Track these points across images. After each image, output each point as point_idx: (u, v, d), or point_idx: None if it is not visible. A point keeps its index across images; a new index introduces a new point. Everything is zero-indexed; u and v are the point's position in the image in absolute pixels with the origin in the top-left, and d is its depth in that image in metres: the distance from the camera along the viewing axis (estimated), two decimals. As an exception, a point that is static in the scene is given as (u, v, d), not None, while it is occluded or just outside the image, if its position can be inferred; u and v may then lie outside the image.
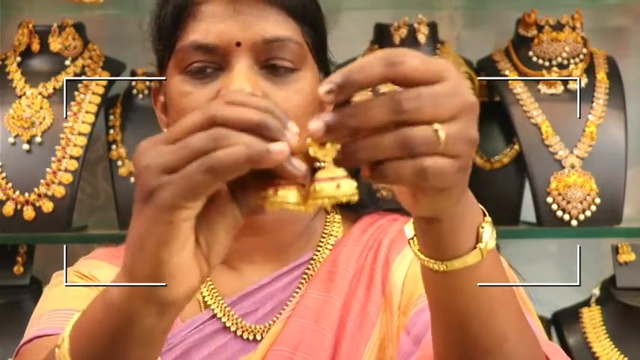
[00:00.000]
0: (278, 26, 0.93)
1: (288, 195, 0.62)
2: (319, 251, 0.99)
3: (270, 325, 0.94)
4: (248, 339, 0.94)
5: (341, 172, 0.62)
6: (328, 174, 0.62)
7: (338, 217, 1.04)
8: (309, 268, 0.98)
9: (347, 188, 0.61)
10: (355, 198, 0.61)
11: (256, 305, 0.96)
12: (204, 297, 0.97)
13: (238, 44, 0.91)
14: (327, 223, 1.02)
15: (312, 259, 0.99)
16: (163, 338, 0.68)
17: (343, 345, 0.91)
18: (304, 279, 0.97)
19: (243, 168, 0.59)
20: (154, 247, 0.61)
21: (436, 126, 0.57)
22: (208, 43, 0.91)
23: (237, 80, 0.89)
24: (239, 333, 0.94)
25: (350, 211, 1.04)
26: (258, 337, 0.94)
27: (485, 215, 0.69)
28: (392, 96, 0.57)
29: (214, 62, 0.92)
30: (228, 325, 0.95)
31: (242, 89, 0.88)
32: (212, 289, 0.98)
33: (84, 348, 0.69)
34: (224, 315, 0.95)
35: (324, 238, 1.01)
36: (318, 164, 0.63)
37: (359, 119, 0.58)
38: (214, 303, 0.96)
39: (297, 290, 0.96)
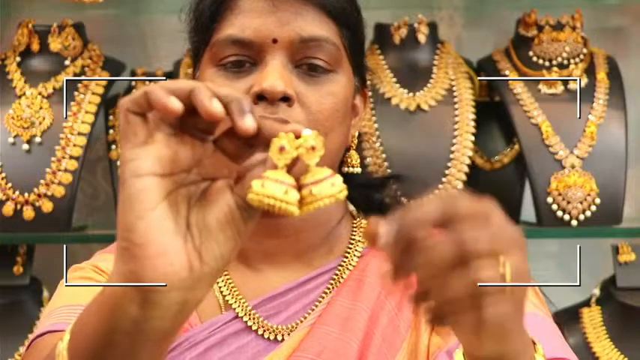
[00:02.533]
0: (316, 26, 0.92)
1: (275, 189, 0.61)
2: (347, 258, 0.98)
3: (292, 327, 0.93)
4: (269, 339, 0.93)
5: (327, 171, 0.63)
6: (317, 176, 0.62)
7: (364, 222, 1.03)
8: (336, 275, 0.97)
9: (340, 184, 0.62)
10: (345, 193, 0.63)
11: (279, 308, 0.95)
12: (224, 297, 0.96)
13: (274, 41, 0.90)
14: (354, 230, 1.02)
15: (339, 265, 0.98)
16: (154, 342, 0.65)
17: (369, 356, 0.89)
18: (331, 285, 0.96)
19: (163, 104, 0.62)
20: (120, 212, 0.62)
21: (502, 260, 0.58)
22: (244, 38, 0.91)
23: (269, 77, 0.88)
24: (260, 332, 0.93)
25: (376, 217, 1.03)
26: (280, 338, 0.93)
27: (535, 344, 0.69)
28: (455, 237, 0.58)
29: (249, 57, 0.91)
30: (250, 324, 0.93)
31: (274, 85, 0.88)
32: (233, 289, 0.97)
33: (79, 343, 0.68)
34: (246, 315, 0.94)
35: (352, 245, 1.00)
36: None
37: (424, 261, 0.59)
38: (236, 303, 0.95)
39: (323, 296, 0.95)
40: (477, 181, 1.53)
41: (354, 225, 1.03)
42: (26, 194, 1.44)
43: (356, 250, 0.99)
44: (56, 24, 1.53)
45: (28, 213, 1.44)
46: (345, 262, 0.98)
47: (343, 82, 0.94)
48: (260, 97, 0.88)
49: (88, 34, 1.59)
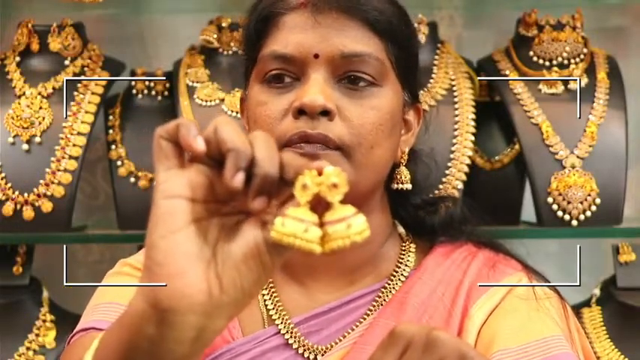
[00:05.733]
0: (358, 42, 0.92)
1: (295, 227, 0.61)
2: (392, 280, 0.99)
3: (332, 346, 0.94)
4: (309, 358, 0.94)
5: (349, 210, 0.62)
6: (337, 215, 0.62)
7: (413, 246, 1.03)
8: (379, 296, 0.97)
9: (358, 226, 0.61)
10: (367, 234, 0.61)
11: (321, 325, 0.96)
12: (268, 311, 0.97)
13: (316, 56, 0.91)
14: (403, 252, 1.02)
15: (383, 287, 0.98)
16: None
17: None
18: (373, 306, 0.97)
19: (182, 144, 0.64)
20: (148, 230, 0.63)
21: None
22: (286, 53, 0.92)
23: (310, 91, 0.89)
24: (300, 351, 0.94)
25: (425, 240, 1.04)
26: (319, 358, 0.93)
27: None
28: None
29: (291, 72, 0.92)
30: (290, 342, 0.94)
31: (314, 100, 0.88)
32: (277, 303, 0.97)
33: (101, 356, 0.69)
34: (287, 332, 0.95)
35: (399, 267, 1.00)
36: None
37: None
38: (279, 319, 0.96)
39: (365, 317, 0.96)
40: (476, 181, 1.53)
41: (403, 247, 1.02)
42: (26, 194, 1.44)
43: (402, 274, 0.99)
44: (56, 24, 1.53)
45: (28, 213, 1.43)
46: (390, 284, 0.98)
47: (388, 97, 0.94)
48: (301, 112, 0.89)
49: (87, 34, 1.59)
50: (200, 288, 0.63)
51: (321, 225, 0.62)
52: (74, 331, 0.95)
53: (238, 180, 0.62)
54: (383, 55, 0.94)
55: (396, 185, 1.01)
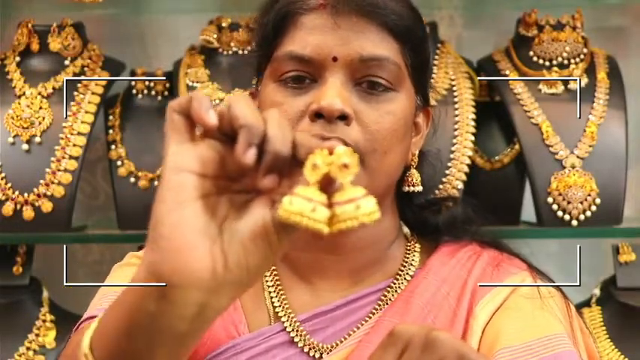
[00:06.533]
0: (377, 45, 0.91)
1: (302, 206, 0.60)
2: (397, 280, 0.99)
3: (337, 344, 0.94)
4: (314, 356, 0.94)
5: (359, 191, 0.61)
6: (347, 195, 0.61)
7: (418, 246, 1.03)
8: (385, 295, 0.97)
9: (367, 207, 0.60)
10: (376, 216, 0.60)
11: (326, 323, 0.96)
12: (275, 308, 0.97)
13: (335, 59, 0.90)
14: (408, 252, 1.02)
15: (389, 286, 0.98)
16: (171, 342, 0.65)
17: None
18: (379, 305, 0.97)
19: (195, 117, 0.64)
20: (155, 203, 0.63)
21: None
22: (305, 54, 0.91)
23: (327, 95, 0.88)
24: (306, 350, 0.94)
25: (429, 240, 1.04)
26: (325, 356, 0.93)
27: None
28: None
29: (309, 74, 0.91)
30: (296, 340, 0.94)
31: (332, 104, 0.87)
32: (284, 300, 0.98)
33: (102, 335, 0.69)
34: (293, 330, 0.95)
35: (405, 267, 1.00)
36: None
37: None
38: (285, 316, 0.96)
39: (370, 315, 0.96)
40: (477, 181, 1.53)
41: (408, 247, 1.03)
42: (26, 194, 1.44)
43: (407, 274, 0.99)
44: (56, 24, 1.53)
45: (28, 213, 1.43)
46: (395, 283, 0.99)
47: (403, 101, 0.94)
48: (318, 115, 0.88)
49: (87, 33, 1.59)
50: (204, 264, 0.62)
51: (331, 206, 0.61)
52: (81, 319, 0.96)
53: (250, 156, 0.61)
54: (400, 59, 0.93)
55: (407, 188, 1.01)
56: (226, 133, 0.64)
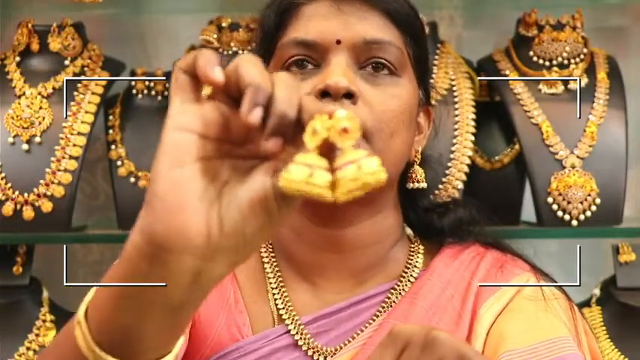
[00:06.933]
0: (380, 30, 0.92)
1: (299, 173, 0.57)
2: (401, 282, 0.98)
3: (341, 347, 0.94)
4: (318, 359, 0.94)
5: (361, 152, 0.57)
6: (348, 158, 0.57)
7: (421, 247, 1.03)
8: (388, 297, 0.97)
9: (369, 166, 0.56)
10: (382, 176, 0.57)
11: (330, 326, 0.95)
12: (278, 309, 0.97)
13: (338, 42, 0.91)
14: (411, 254, 1.02)
15: (392, 288, 0.98)
16: (164, 311, 0.63)
17: None
18: (383, 307, 0.96)
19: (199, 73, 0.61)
20: (154, 162, 0.61)
21: None
22: (309, 39, 0.91)
23: (333, 74, 0.88)
24: (310, 353, 0.94)
25: (432, 241, 1.04)
26: (328, 359, 0.93)
27: None
28: None
29: (313, 58, 0.92)
30: (300, 343, 0.94)
31: (338, 81, 0.87)
32: (287, 302, 0.97)
33: (96, 304, 0.67)
34: (297, 333, 0.95)
35: (408, 269, 1.00)
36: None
37: None
38: (289, 319, 0.96)
39: (374, 317, 0.96)
40: (476, 181, 1.53)
41: (411, 249, 1.02)
42: (26, 194, 1.44)
43: (411, 275, 0.99)
44: (56, 24, 1.53)
45: (28, 213, 1.43)
46: (399, 285, 0.98)
47: (408, 88, 0.94)
48: (324, 94, 0.88)
49: (87, 33, 1.59)
50: (199, 228, 0.60)
51: (333, 172, 0.58)
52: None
53: (255, 116, 0.59)
54: (402, 46, 0.94)
55: (411, 184, 1.01)
56: (233, 96, 0.62)
